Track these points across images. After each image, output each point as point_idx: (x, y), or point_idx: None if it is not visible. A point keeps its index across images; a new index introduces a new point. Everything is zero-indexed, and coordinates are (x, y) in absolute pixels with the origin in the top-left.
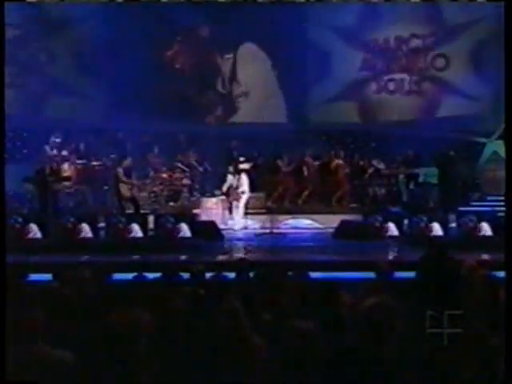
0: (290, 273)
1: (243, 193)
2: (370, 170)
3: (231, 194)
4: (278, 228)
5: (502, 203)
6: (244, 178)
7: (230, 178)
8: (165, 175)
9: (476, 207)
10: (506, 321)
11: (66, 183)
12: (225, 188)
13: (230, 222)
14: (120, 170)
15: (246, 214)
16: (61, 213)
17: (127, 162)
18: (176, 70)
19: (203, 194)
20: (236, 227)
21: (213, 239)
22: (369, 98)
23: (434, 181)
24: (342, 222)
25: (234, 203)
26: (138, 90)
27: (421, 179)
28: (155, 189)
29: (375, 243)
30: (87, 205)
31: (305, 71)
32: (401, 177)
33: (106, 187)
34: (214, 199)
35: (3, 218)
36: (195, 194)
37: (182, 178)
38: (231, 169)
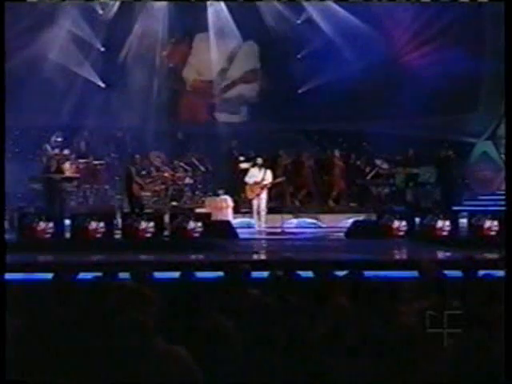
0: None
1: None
2: (374, 170)
3: (254, 190)
4: (287, 227)
5: (493, 202)
6: (269, 173)
7: (255, 171)
8: (167, 174)
9: (468, 207)
10: (506, 320)
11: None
12: (251, 181)
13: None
14: (133, 169)
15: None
16: (79, 213)
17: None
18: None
19: (205, 194)
20: (262, 225)
21: (228, 238)
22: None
23: (432, 180)
24: (355, 222)
25: (256, 200)
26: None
27: (420, 179)
28: (157, 188)
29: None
30: (88, 204)
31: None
32: (400, 176)
33: (106, 186)
34: (217, 198)
35: (3, 218)
36: (197, 193)
37: (184, 178)
38: (259, 162)
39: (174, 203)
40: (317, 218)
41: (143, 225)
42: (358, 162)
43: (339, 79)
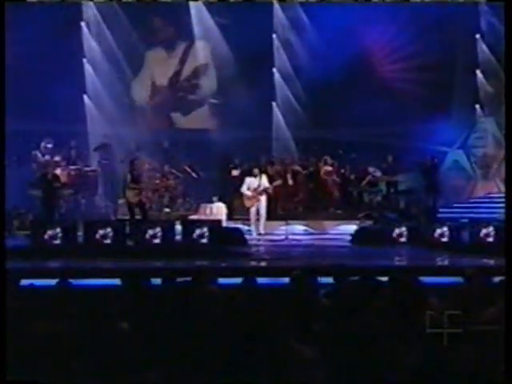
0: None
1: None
2: (368, 178)
3: (251, 198)
4: (292, 234)
5: (466, 210)
6: (264, 179)
7: (251, 179)
8: (158, 181)
9: (443, 214)
10: (506, 321)
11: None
12: (246, 190)
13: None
14: (128, 176)
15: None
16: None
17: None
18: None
19: (196, 200)
20: (261, 231)
21: (238, 245)
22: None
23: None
24: (360, 229)
25: (254, 207)
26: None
27: (403, 186)
28: (149, 195)
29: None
30: (80, 211)
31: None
32: (383, 183)
33: (98, 193)
34: (211, 205)
35: (3, 219)
36: (188, 199)
37: (175, 185)
38: (256, 171)
39: (167, 210)
40: (308, 225)
41: (150, 231)
42: (343, 170)
43: (309, 86)
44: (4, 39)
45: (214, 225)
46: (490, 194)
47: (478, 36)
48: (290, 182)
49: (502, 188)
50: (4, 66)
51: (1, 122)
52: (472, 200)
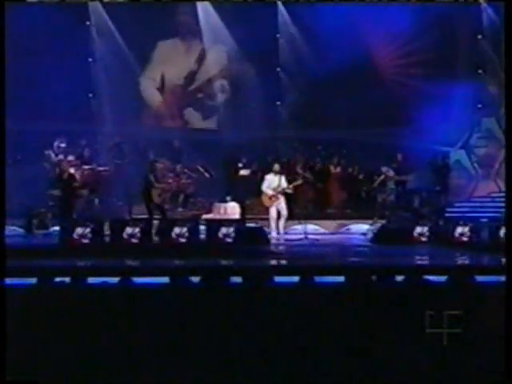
0: None
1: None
2: (381, 178)
3: (272, 197)
4: (310, 234)
5: (469, 209)
6: (283, 179)
7: (271, 177)
8: (171, 181)
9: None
10: (506, 321)
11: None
12: (270, 188)
13: None
14: (152, 176)
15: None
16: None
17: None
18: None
19: (209, 199)
20: (281, 231)
21: (260, 244)
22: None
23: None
24: (382, 228)
25: (274, 207)
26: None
27: (415, 185)
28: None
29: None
30: (93, 210)
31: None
32: (391, 183)
33: (112, 193)
34: (225, 204)
35: (3, 219)
36: (199, 199)
37: (188, 184)
38: (277, 168)
39: (181, 209)
40: (319, 224)
41: (177, 230)
42: (350, 170)
43: (315, 87)
44: (4, 39)
45: (237, 224)
46: (491, 193)
47: (480, 36)
48: (301, 181)
49: (503, 187)
50: (4, 65)
51: (1, 122)
52: (473, 199)
